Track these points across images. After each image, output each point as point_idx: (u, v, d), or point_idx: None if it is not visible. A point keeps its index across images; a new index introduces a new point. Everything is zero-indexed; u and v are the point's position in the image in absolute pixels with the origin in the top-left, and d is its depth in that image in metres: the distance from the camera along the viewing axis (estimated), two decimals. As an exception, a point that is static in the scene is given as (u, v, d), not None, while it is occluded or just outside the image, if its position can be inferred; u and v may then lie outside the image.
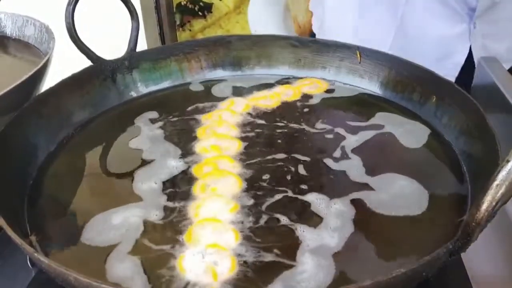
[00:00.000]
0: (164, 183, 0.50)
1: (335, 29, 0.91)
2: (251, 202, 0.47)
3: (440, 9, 0.82)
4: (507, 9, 0.82)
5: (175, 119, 0.61)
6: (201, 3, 1.93)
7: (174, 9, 1.95)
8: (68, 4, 0.59)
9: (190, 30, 1.94)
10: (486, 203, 0.29)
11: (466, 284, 0.44)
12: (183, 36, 1.78)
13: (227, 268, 0.38)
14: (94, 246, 0.43)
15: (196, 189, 0.48)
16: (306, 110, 0.63)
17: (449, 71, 0.82)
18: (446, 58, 0.84)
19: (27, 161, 0.52)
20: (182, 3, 1.93)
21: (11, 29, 0.75)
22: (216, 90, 0.68)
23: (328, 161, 0.53)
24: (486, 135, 0.47)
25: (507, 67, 0.84)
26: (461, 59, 0.84)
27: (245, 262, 0.40)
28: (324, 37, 0.80)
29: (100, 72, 0.64)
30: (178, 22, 1.95)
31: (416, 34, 0.85)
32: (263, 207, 0.46)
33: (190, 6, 1.93)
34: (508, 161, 0.28)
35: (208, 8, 1.95)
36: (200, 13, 1.94)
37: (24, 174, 0.51)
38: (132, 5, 0.66)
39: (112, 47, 0.70)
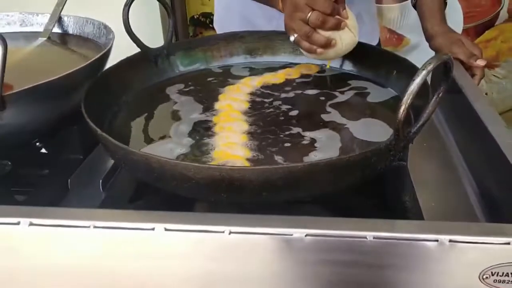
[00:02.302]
0: (193, 126, 0.71)
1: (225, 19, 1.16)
2: (257, 134, 0.67)
3: None
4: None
5: (203, 89, 0.82)
6: (212, 17, 2.14)
7: (188, 22, 2.16)
8: (125, 5, 0.80)
9: (202, 40, 2.15)
10: (403, 106, 0.49)
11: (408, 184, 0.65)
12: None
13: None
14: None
15: (216, 129, 0.69)
16: (303, 84, 0.84)
17: None
18: None
19: (101, 115, 0.72)
20: (195, 17, 2.15)
21: (73, 29, 0.94)
22: (234, 72, 0.89)
23: (321, 112, 0.73)
24: (426, 93, 0.67)
25: None
26: None
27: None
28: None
29: (146, 57, 0.85)
30: (191, 34, 2.17)
31: None
32: (266, 138, 0.66)
33: (202, 19, 2.15)
34: (413, 80, 0.49)
35: (218, 21, 2.16)
36: (211, 26, 2.16)
37: (100, 124, 0.71)
38: (170, 7, 0.87)
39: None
